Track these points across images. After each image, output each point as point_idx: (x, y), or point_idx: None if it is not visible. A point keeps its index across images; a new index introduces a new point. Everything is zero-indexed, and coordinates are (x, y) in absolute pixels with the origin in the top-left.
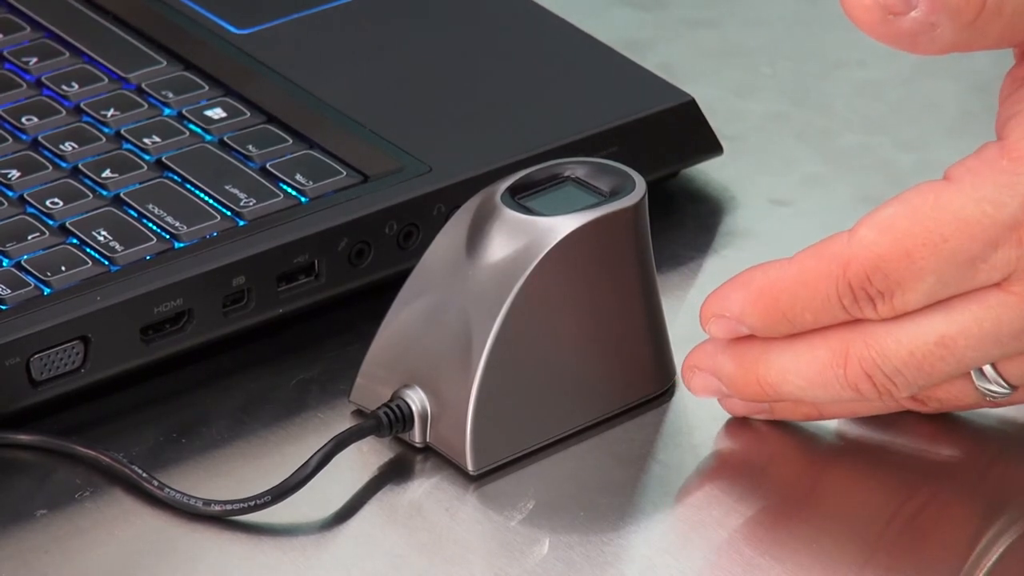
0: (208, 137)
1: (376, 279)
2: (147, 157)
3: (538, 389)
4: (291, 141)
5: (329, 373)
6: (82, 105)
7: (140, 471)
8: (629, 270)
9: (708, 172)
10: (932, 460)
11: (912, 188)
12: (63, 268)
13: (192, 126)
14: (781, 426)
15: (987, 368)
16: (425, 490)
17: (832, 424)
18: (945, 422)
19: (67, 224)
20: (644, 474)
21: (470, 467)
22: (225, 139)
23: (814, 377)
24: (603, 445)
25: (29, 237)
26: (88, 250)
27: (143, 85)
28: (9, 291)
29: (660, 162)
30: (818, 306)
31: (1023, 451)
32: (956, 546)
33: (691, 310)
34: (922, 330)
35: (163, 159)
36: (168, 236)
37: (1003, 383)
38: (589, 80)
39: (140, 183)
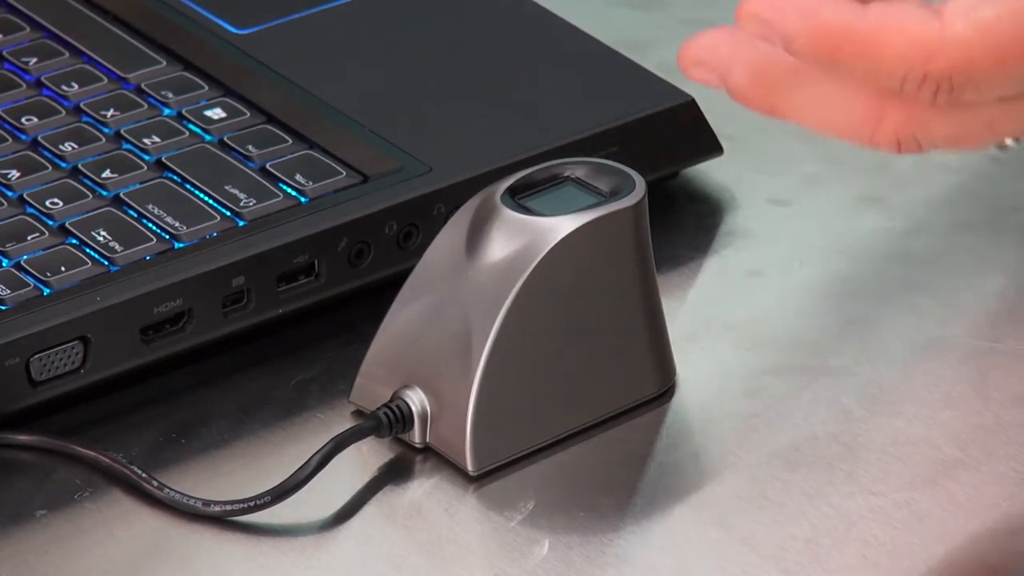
0: (208, 137)
1: (376, 279)
2: (147, 157)
3: (538, 389)
4: (291, 141)
5: (329, 373)
6: (82, 105)
7: (140, 471)
8: (629, 270)
9: (708, 172)
10: (939, 459)
11: None
12: (63, 268)
13: (192, 126)
14: (781, 427)
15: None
16: (425, 490)
17: (832, 426)
18: (954, 422)
19: (67, 224)
20: (644, 474)
21: (470, 467)
22: (225, 139)
23: (836, 124)
24: (603, 445)
25: (29, 237)
26: (88, 250)
27: (143, 85)
28: (9, 291)
29: (660, 162)
30: (880, 72)
31: None
32: (963, 545)
33: (691, 310)
34: (973, 114)
35: (163, 159)
36: (168, 236)
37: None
38: (589, 80)
39: (140, 183)
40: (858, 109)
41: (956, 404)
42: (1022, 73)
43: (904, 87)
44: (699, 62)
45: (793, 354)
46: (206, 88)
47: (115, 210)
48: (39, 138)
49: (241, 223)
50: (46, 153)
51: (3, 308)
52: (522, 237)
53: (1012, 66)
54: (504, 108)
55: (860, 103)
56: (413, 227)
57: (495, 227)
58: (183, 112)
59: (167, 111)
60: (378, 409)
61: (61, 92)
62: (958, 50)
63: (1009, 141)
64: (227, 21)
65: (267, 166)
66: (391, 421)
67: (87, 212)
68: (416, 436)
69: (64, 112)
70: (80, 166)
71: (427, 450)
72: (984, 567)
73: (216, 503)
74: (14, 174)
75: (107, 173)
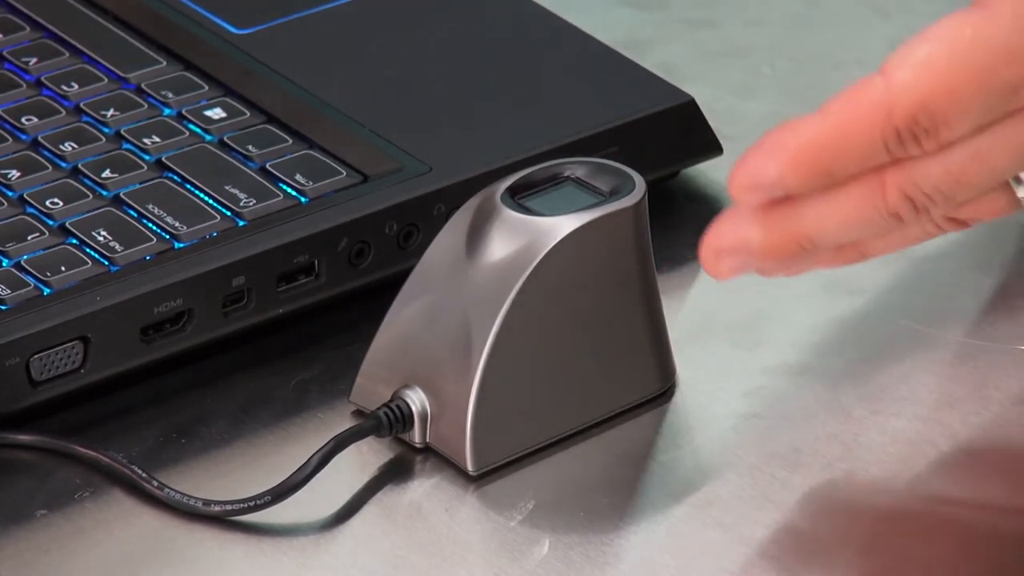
0: (208, 137)
1: (376, 279)
2: (147, 157)
3: (538, 389)
4: (291, 141)
5: (329, 373)
6: (82, 105)
7: (140, 471)
8: (629, 270)
9: (708, 172)
10: (939, 459)
11: (941, 22)
12: (63, 268)
13: (192, 126)
14: (781, 427)
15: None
16: (425, 490)
17: (832, 426)
18: (953, 422)
19: (67, 224)
20: (644, 474)
21: (470, 467)
22: (225, 139)
23: (852, 214)
24: (603, 445)
25: (29, 237)
26: (88, 250)
27: (143, 85)
28: (9, 291)
29: (660, 162)
30: (864, 155)
31: None
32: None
33: (691, 310)
34: (960, 150)
35: (163, 159)
36: (168, 236)
37: None
38: (589, 80)
39: (140, 183)
40: (860, 191)
41: (956, 404)
42: (978, 98)
43: (894, 152)
44: (718, 253)
45: (793, 354)
46: (206, 88)
47: (115, 210)
48: (39, 138)
49: (241, 223)
50: (46, 153)
51: (3, 308)
52: (522, 237)
53: (963, 95)
54: (504, 108)
55: (859, 186)
56: (413, 227)
57: (495, 227)
58: (183, 112)
59: (167, 111)
60: (378, 409)
61: (61, 92)
62: (907, 95)
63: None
64: (227, 21)
65: (267, 166)
66: (391, 421)
67: (87, 212)
68: (416, 436)
69: (64, 112)
70: (80, 166)
71: (427, 450)
72: (984, 567)
73: (216, 503)
74: (14, 174)
75: (107, 173)
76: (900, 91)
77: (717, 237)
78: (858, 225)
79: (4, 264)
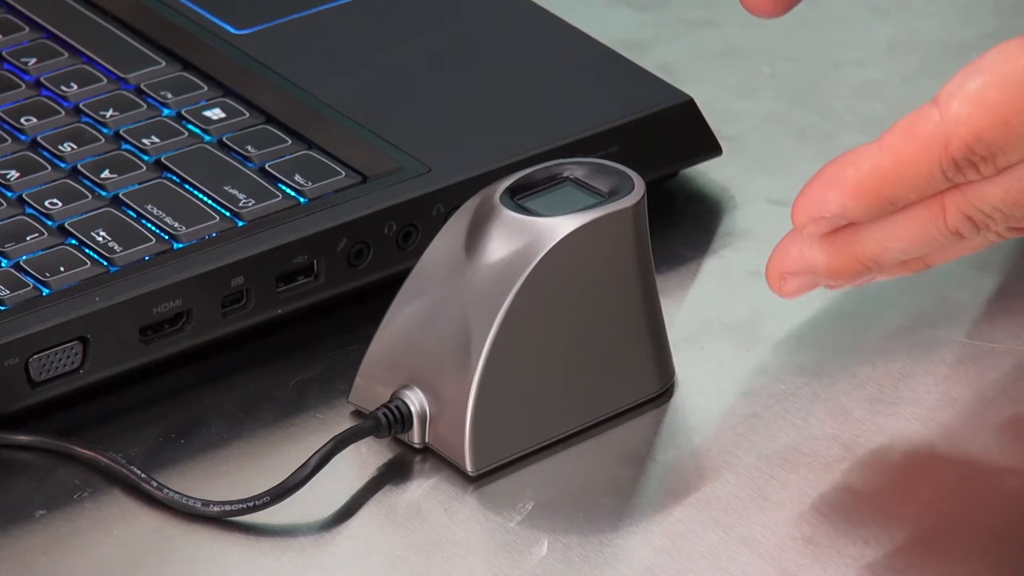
0: (207, 137)
1: (375, 279)
2: (146, 157)
3: (537, 389)
4: (290, 141)
5: (329, 373)
6: (81, 105)
7: (139, 472)
8: (629, 270)
9: (707, 172)
10: (938, 459)
11: (993, 52)
12: (62, 268)
13: (191, 126)
14: (781, 427)
15: None
16: (424, 491)
17: (832, 426)
18: (953, 422)
19: (66, 225)
20: (644, 474)
21: (469, 468)
22: (224, 139)
23: (914, 236)
24: (603, 445)
25: (28, 238)
26: (87, 250)
27: (142, 85)
28: (8, 292)
29: (659, 162)
30: (923, 185)
31: None
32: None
33: (691, 310)
34: (1016, 171)
35: (162, 159)
36: (167, 236)
37: None
38: (589, 80)
39: (139, 183)
40: (921, 213)
41: (955, 404)
42: None
43: (953, 179)
44: (783, 273)
45: (793, 354)
46: (205, 88)
47: (114, 210)
48: (38, 138)
49: (240, 223)
50: (45, 153)
51: (3, 308)
52: (521, 237)
53: (1017, 124)
54: (504, 108)
55: (920, 208)
56: (412, 227)
57: (494, 227)
58: (182, 112)
59: (166, 111)
60: (377, 409)
61: (60, 92)
62: (962, 127)
63: None
64: (227, 21)
65: (266, 166)
66: (390, 421)
67: (86, 212)
68: (415, 436)
69: (63, 112)
70: (79, 166)
71: (426, 450)
72: (984, 567)
73: (215, 503)
74: (14, 174)
75: (106, 173)
76: (955, 124)
77: (783, 259)
78: (920, 245)
79: (3, 264)
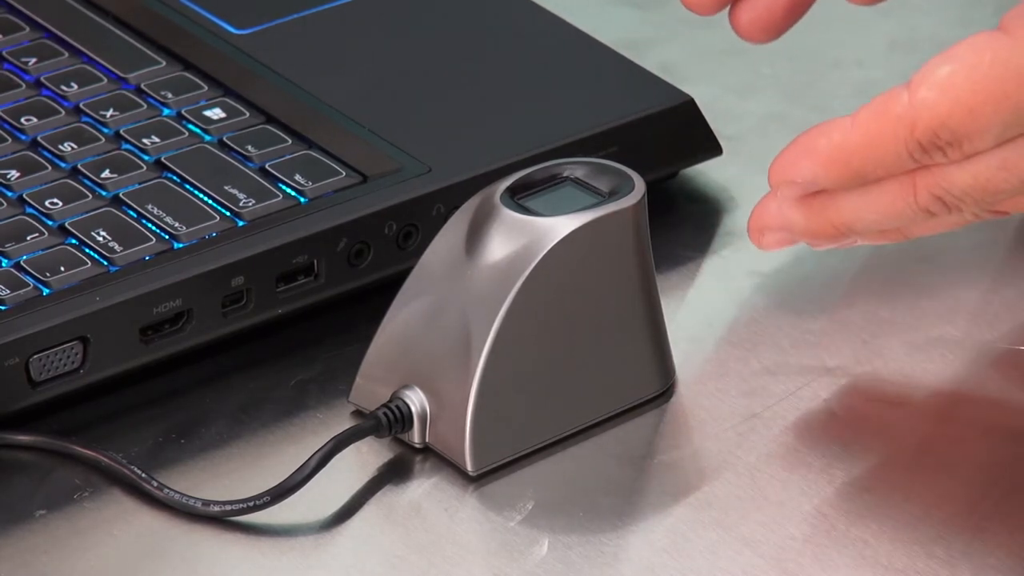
0: (207, 137)
1: (375, 279)
2: (146, 157)
3: (538, 389)
4: (290, 141)
5: (329, 373)
6: (81, 105)
7: (139, 471)
8: (629, 270)
9: (707, 172)
10: (939, 458)
11: (965, 42)
12: (62, 268)
13: (191, 126)
14: (781, 427)
15: None
16: (424, 490)
17: (832, 426)
18: (953, 422)
19: (66, 224)
20: (644, 474)
21: (469, 467)
22: (224, 139)
23: (886, 209)
24: (603, 445)
25: (28, 237)
26: (87, 250)
27: (142, 85)
28: (8, 291)
29: (659, 162)
30: (890, 162)
31: None
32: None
33: (691, 310)
34: (986, 160)
35: (162, 159)
36: (167, 236)
37: None
38: (589, 80)
39: (139, 183)
40: (893, 188)
41: (955, 404)
42: (996, 118)
43: (920, 160)
44: (762, 228)
45: (793, 354)
46: (206, 88)
47: (115, 210)
48: (39, 138)
49: (241, 223)
50: (46, 153)
51: (3, 308)
52: (521, 237)
53: (980, 113)
54: (504, 108)
55: (893, 184)
56: (412, 227)
57: (494, 227)
58: (183, 112)
59: (167, 111)
60: (377, 409)
61: (61, 92)
62: (928, 112)
63: None
64: (227, 21)
65: (266, 166)
66: (391, 421)
67: (87, 212)
68: (415, 436)
69: (64, 112)
70: (80, 166)
71: (427, 450)
72: (984, 567)
73: (216, 503)
74: (14, 174)
75: (107, 173)
76: (922, 108)
77: (762, 214)
78: (891, 218)
79: (4, 264)
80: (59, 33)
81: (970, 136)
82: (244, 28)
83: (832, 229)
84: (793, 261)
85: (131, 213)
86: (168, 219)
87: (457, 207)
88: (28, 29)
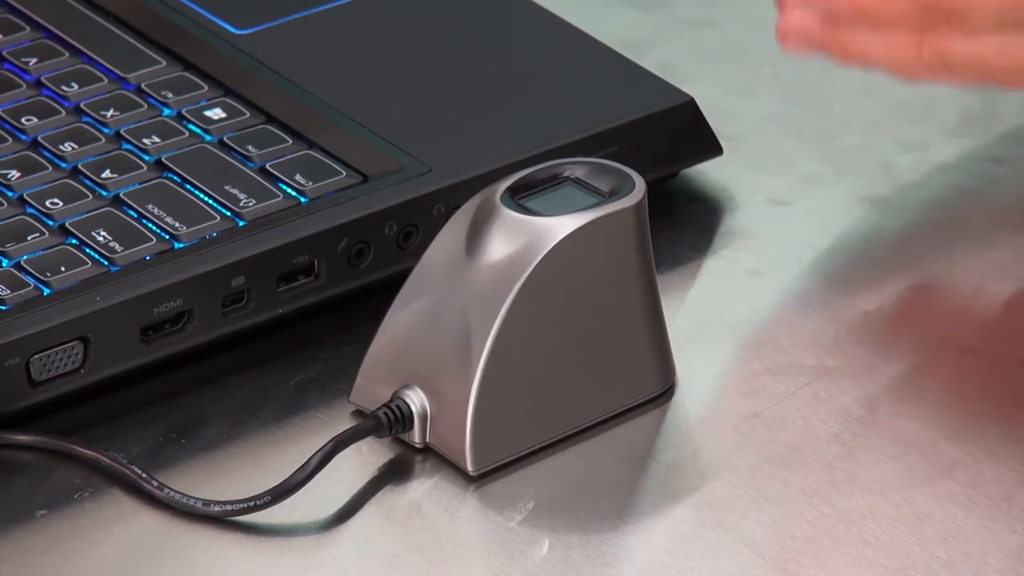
0: (208, 137)
1: (376, 279)
2: (147, 157)
3: (538, 389)
4: (290, 141)
5: (329, 373)
6: (82, 105)
7: (140, 471)
8: (629, 270)
9: (707, 172)
10: (939, 459)
11: None
12: (63, 268)
13: (192, 126)
14: (781, 427)
15: None
16: (425, 490)
17: (832, 426)
18: (954, 422)
19: (67, 224)
20: (644, 474)
21: (470, 467)
22: (225, 139)
23: (893, 52)
24: (603, 445)
25: (29, 237)
26: (88, 250)
27: (143, 85)
28: (9, 291)
29: (660, 162)
30: (896, 18)
31: None
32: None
33: (691, 310)
34: (985, 38)
35: (163, 159)
36: (168, 236)
37: None
38: (589, 80)
39: (140, 183)
40: (901, 36)
41: (956, 404)
42: (996, 2)
43: (925, 24)
44: (786, 31)
45: (793, 354)
46: (206, 88)
47: (115, 210)
48: (39, 138)
49: (241, 223)
50: (46, 153)
51: (3, 308)
52: (522, 237)
53: None
54: (504, 108)
55: (903, 35)
56: (413, 227)
57: (495, 227)
58: (183, 112)
59: (167, 111)
60: (378, 409)
61: (61, 92)
62: None
63: None
64: (227, 21)
65: (267, 166)
66: (391, 421)
67: (87, 212)
68: (416, 436)
69: (64, 112)
70: (80, 166)
71: (427, 450)
72: (984, 567)
73: (216, 503)
74: (14, 174)
75: (107, 173)
76: None
77: (788, 17)
78: (897, 62)
79: (4, 264)
80: (59, 33)
81: (969, 11)
82: (244, 28)
83: (843, 51)
84: (793, 261)
85: (131, 213)
86: (168, 219)
87: (457, 207)
88: (28, 29)
